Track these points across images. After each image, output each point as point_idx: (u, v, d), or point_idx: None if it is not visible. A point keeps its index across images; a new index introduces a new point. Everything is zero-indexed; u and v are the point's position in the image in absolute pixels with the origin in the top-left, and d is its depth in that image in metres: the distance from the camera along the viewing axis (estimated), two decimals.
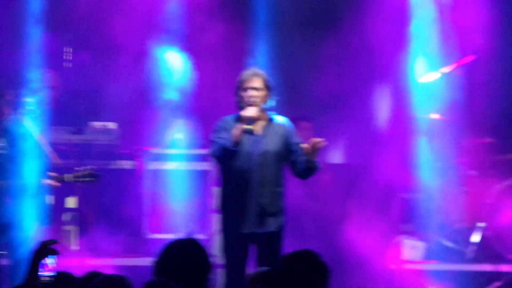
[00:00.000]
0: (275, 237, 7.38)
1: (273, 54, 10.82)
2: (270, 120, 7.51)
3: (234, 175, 7.45)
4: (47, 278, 5.22)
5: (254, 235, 7.30)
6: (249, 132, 7.34)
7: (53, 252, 5.06)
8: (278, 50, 11.06)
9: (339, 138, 10.71)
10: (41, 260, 5.04)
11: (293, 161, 7.36)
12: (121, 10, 10.46)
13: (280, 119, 7.64)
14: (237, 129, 7.28)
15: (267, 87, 7.50)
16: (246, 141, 7.37)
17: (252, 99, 7.37)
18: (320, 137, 9.77)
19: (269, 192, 7.36)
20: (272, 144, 7.42)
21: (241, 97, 7.44)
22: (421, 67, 10.26)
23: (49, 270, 5.18)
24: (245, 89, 7.45)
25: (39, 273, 5.13)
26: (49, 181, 8.27)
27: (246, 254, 7.44)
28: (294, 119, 9.95)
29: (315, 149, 7.19)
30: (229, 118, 7.56)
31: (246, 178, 7.36)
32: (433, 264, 9.28)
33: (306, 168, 7.35)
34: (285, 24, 11.54)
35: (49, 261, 5.26)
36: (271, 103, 7.56)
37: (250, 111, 7.30)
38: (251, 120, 7.30)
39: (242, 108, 7.39)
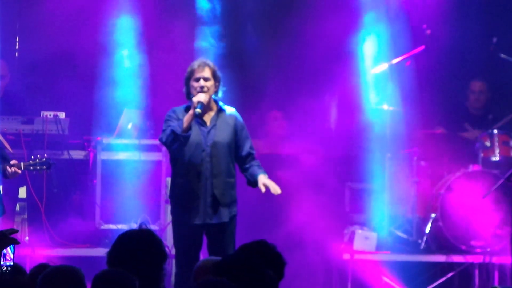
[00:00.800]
0: (228, 227, 7.41)
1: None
2: (220, 110, 7.54)
3: (186, 166, 7.46)
4: (7, 268, 5.34)
5: (207, 225, 7.33)
6: (199, 116, 7.32)
7: (14, 242, 5.21)
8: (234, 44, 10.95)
9: (295, 129, 10.62)
10: (2, 250, 5.14)
11: (240, 159, 7.47)
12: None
13: (229, 109, 7.67)
14: (188, 115, 7.27)
15: (216, 77, 7.53)
16: (197, 132, 7.42)
17: (201, 90, 7.37)
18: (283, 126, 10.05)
19: (221, 182, 7.40)
20: (222, 134, 7.46)
21: (191, 87, 7.45)
22: (372, 58, 10.26)
23: (9, 260, 5.34)
24: (195, 79, 7.46)
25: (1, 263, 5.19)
26: (13, 169, 8.19)
27: (198, 244, 7.46)
28: (265, 108, 10.17)
29: (266, 187, 7.31)
30: (179, 108, 7.58)
31: (198, 169, 7.38)
32: (386, 255, 9.29)
33: (249, 182, 7.54)
34: (239, 19, 11.45)
35: (8, 251, 5.32)
36: (220, 93, 7.61)
37: (199, 97, 7.28)
38: (201, 105, 7.26)
39: (191, 98, 7.39)
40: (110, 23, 10.68)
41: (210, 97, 7.46)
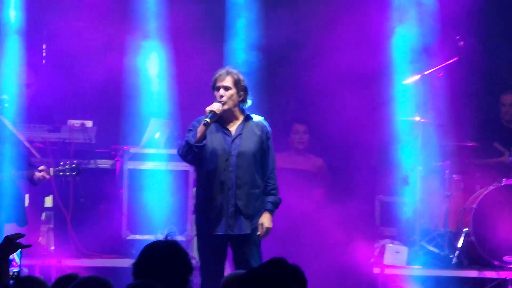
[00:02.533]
0: (250, 238, 7.27)
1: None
2: (247, 119, 7.42)
3: (210, 176, 7.33)
4: (13, 274, 5.11)
5: (230, 236, 7.22)
6: (219, 128, 7.27)
7: (20, 247, 4.98)
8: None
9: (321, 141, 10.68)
10: (9, 256, 4.86)
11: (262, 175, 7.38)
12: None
13: (257, 118, 7.54)
14: (200, 126, 7.20)
15: (239, 86, 7.41)
16: (221, 141, 7.31)
17: (223, 98, 7.29)
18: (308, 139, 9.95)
19: (245, 193, 7.27)
20: (248, 144, 7.35)
21: (214, 96, 7.37)
22: (404, 68, 10.10)
23: (15, 266, 5.15)
24: (217, 88, 7.39)
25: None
26: (41, 174, 8.24)
27: (222, 255, 7.38)
28: (289, 121, 10.48)
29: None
30: (203, 117, 7.36)
31: (222, 179, 7.26)
32: (417, 269, 9.19)
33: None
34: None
35: (14, 256, 5.13)
36: (249, 102, 7.47)
37: (212, 106, 7.19)
38: (213, 115, 7.16)
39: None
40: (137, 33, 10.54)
41: (235, 106, 7.37)
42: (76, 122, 9.53)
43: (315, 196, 10.05)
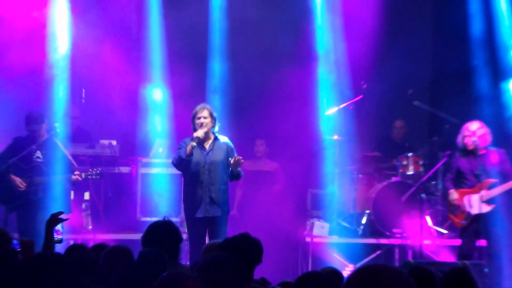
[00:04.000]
0: (221, 219, 7.43)
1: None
2: (216, 139, 7.55)
3: (192, 177, 7.48)
4: (58, 240, 5.27)
5: (207, 218, 7.36)
6: (199, 147, 7.38)
7: (61, 220, 5.24)
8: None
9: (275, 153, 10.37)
10: (53, 227, 5.14)
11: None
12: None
13: (223, 138, 7.68)
14: (189, 146, 7.34)
15: (212, 116, 7.54)
16: (199, 154, 7.42)
17: (201, 125, 7.42)
18: (264, 149, 9.98)
19: (216, 189, 7.41)
20: (217, 156, 7.48)
21: (195, 123, 7.48)
22: (326, 103, 10.08)
23: (59, 235, 5.27)
24: (197, 118, 7.48)
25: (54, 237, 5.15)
26: (76, 177, 8.20)
27: (203, 231, 7.47)
28: (252, 137, 10.08)
29: (236, 164, 7.32)
30: (188, 139, 7.57)
31: (200, 179, 7.40)
32: (335, 238, 9.26)
33: (232, 176, 7.49)
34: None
35: (59, 227, 5.27)
36: (217, 127, 7.59)
37: (197, 133, 7.37)
38: (198, 140, 7.35)
39: (195, 131, 7.45)
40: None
41: (209, 130, 7.49)
42: (105, 141, 9.51)
43: (273, 189, 9.91)
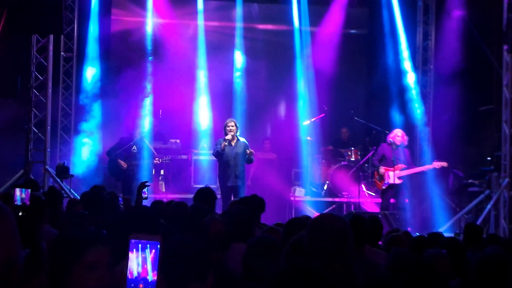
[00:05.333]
0: (241, 187, 7.29)
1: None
2: (238, 140, 7.35)
3: (224, 162, 7.31)
4: (145, 197, 5.03)
5: (232, 186, 7.25)
6: (229, 144, 7.24)
7: (146, 186, 5.07)
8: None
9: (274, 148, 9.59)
10: (142, 190, 4.98)
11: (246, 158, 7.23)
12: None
13: (242, 139, 7.45)
14: (222, 144, 7.22)
15: (236, 125, 7.34)
16: (229, 149, 7.25)
17: (230, 132, 7.27)
18: (270, 145, 9.34)
19: (239, 169, 7.27)
20: (239, 150, 7.31)
21: (226, 130, 7.31)
22: (303, 117, 9.64)
23: (145, 194, 5.08)
24: (227, 127, 7.31)
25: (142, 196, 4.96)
26: (155, 161, 8.19)
27: (230, 193, 7.30)
28: (261, 138, 9.42)
29: (250, 154, 7.21)
30: (221, 139, 7.42)
31: (229, 163, 7.25)
32: (308, 198, 9.00)
33: (248, 161, 7.33)
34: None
35: (145, 190, 5.08)
36: (238, 132, 7.39)
37: (228, 137, 7.25)
38: (228, 140, 7.24)
39: (226, 135, 7.28)
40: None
41: (234, 134, 7.27)
42: (173, 140, 9.23)
43: (273, 171, 9.14)
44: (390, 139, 7.79)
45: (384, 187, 7.85)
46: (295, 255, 2.02)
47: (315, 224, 2.06)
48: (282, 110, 10.29)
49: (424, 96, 9.30)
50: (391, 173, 7.71)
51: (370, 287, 1.90)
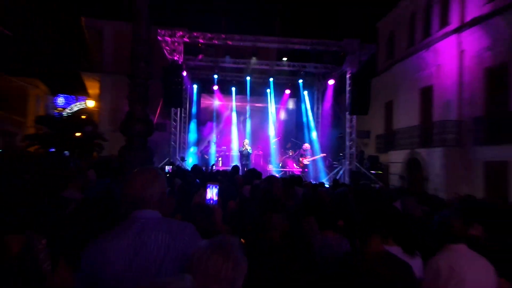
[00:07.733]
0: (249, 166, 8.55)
1: None
2: (247, 148, 9.27)
3: (242, 157, 9.48)
4: (211, 168, 5.98)
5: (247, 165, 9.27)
6: (243, 150, 8.82)
7: (214, 165, 6.63)
8: None
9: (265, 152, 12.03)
10: (212, 166, 5.91)
11: None
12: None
13: (249, 147, 9.25)
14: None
15: (247, 143, 8.72)
16: (245, 151, 9.29)
17: (246, 144, 9.00)
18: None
19: (249, 159, 9.38)
20: (248, 151, 9.19)
21: (244, 143, 9.04)
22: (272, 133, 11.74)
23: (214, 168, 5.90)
24: (244, 141, 9.09)
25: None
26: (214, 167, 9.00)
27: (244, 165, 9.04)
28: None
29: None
30: (241, 147, 8.96)
31: (246, 156, 9.43)
32: (274, 168, 11.13)
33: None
34: None
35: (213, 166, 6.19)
36: (248, 142, 9.13)
37: (245, 147, 8.72)
38: (245, 149, 8.82)
39: (244, 147, 9.09)
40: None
41: (245, 145, 8.75)
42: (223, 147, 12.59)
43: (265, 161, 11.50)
44: (303, 147, 13.25)
45: (302, 166, 12.53)
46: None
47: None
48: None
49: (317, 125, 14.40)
50: (305, 160, 12.65)
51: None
